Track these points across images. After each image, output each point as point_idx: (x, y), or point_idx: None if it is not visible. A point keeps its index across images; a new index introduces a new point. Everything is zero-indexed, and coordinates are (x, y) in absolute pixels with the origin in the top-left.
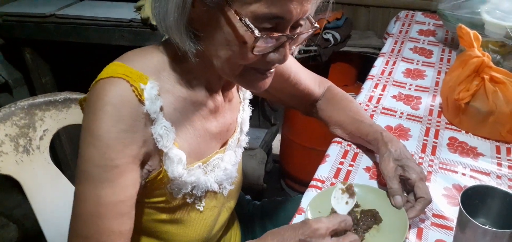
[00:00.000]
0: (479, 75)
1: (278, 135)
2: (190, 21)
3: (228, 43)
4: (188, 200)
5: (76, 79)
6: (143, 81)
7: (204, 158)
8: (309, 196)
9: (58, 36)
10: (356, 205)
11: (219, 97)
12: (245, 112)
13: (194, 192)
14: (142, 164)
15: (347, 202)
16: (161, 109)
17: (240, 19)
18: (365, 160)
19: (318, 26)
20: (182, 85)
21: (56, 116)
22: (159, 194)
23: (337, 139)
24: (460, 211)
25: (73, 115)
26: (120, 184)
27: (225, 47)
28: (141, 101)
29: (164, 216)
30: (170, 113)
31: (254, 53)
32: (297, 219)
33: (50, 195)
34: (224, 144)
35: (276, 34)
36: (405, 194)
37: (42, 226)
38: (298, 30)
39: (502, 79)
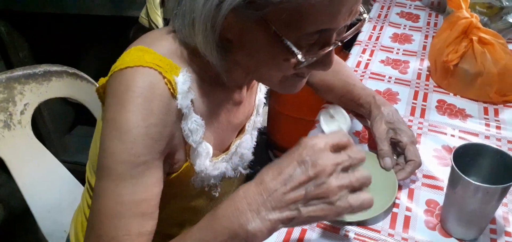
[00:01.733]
0: (468, 37)
1: (265, 107)
2: (221, 35)
3: (268, 59)
4: (206, 189)
5: (55, 52)
6: (175, 72)
7: (226, 149)
8: None
9: (33, 7)
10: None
11: (243, 90)
12: (261, 92)
13: (212, 181)
14: (166, 158)
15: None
16: (192, 102)
17: (282, 41)
18: (355, 124)
19: (366, 16)
20: (210, 79)
21: (36, 89)
22: (179, 185)
23: (325, 105)
24: (452, 169)
25: (54, 89)
26: (144, 181)
27: (265, 63)
28: (173, 95)
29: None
30: (199, 107)
31: (296, 70)
32: None
33: (35, 171)
34: (242, 129)
35: (321, 52)
36: (395, 157)
37: (29, 203)
38: (344, 34)
39: (490, 40)
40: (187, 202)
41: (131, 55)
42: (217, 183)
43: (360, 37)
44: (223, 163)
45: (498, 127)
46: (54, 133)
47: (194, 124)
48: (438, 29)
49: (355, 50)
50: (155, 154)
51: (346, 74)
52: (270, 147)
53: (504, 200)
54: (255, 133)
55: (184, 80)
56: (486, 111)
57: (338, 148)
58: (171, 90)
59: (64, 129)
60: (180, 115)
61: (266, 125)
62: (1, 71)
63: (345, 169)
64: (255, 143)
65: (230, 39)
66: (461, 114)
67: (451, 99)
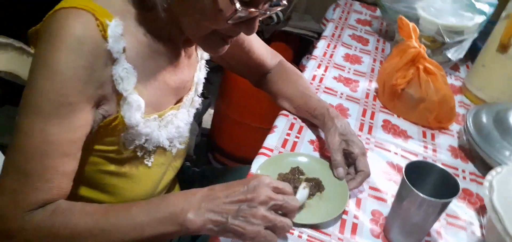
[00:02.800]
0: (415, 65)
1: (209, 109)
2: None
3: (204, 7)
4: (138, 153)
5: (3, 22)
6: (108, 17)
7: (161, 112)
8: (258, 162)
9: None
10: (301, 173)
11: (180, 51)
12: (201, 72)
13: (146, 145)
14: (97, 106)
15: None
16: (124, 50)
17: None
18: (309, 134)
19: (286, 3)
20: (146, 33)
21: None
22: (110, 142)
23: (284, 112)
24: (403, 181)
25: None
26: (71, 123)
27: (200, 10)
28: (104, 38)
29: (112, 167)
30: (132, 57)
31: (229, 22)
32: None
33: None
34: (179, 101)
35: (252, 10)
36: (347, 167)
37: None
38: (267, 5)
39: (433, 70)
40: (118, 166)
41: (67, 0)
42: (150, 149)
43: (315, 53)
44: (155, 124)
45: (434, 150)
46: None
47: (124, 72)
48: (386, 54)
49: (311, 64)
50: (83, 97)
51: (303, 85)
52: (211, 150)
53: None
54: (193, 111)
55: (116, 24)
56: (424, 135)
57: (279, 192)
58: (103, 32)
59: None
60: (110, 60)
61: (209, 127)
62: None
63: (276, 208)
64: (194, 145)
65: None
66: (403, 134)
67: (395, 120)
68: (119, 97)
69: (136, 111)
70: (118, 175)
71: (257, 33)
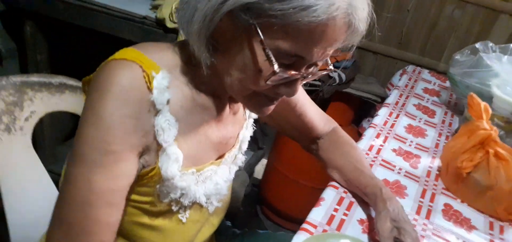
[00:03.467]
0: (484, 148)
1: (263, 160)
2: (213, 33)
3: (244, 66)
4: (173, 208)
5: (72, 64)
6: (155, 70)
7: (199, 166)
8: (298, 240)
9: (64, 15)
10: None
11: (225, 107)
12: (247, 130)
13: (181, 200)
14: (139, 156)
15: None
16: (168, 102)
17: (264, 49)
18: (359, 212)
19: (332, 68)
20: (191, 87)
21: (47, 99)
22: (146, 193)
23: (333, 183)
24: None
25: (65, 102)
26: (114, 171)
27: (240, 69)
28: (149, 89)
29: (145, 219)
30: (176, 109)
31: (267, 83)
32: None
33: (21, 180)
34: (221, 157)
35: (292, 72)
36: None
37: (6, 210)
38: (312, 69)
39: (505, 156)
40: (152, 218)
41: (120, 52)
42: (185, 204)
43: (376, 121)
44: (193, 178)
45: None
46: (49, 140)
47: (166, 123)
48: (453, 129)
49: (369, 132)
50: (127, 146)
51: (356, 157)
52: (259, 202)
53: None
54: (234, 168)
55: (162, 76)
56: (491, 226)
57: None
58: (148, 83)
59: (60, 138)
60: (154, 110)
61: (260, 178)
62: (14, 67)
63: None
64: (243, 194)
65: (218, 40)
66: (466, 223)
67: (458, 205)
68: (159, 148)
69: (173, 163)
70: (151, 228)
71: (317, 92)
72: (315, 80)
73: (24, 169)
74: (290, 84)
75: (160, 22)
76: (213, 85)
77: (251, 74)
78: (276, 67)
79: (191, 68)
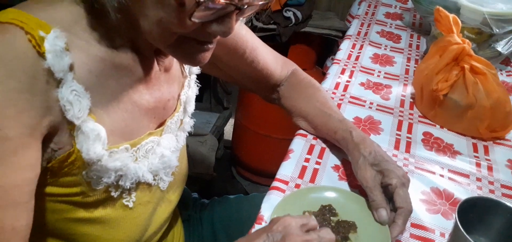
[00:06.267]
0: (459, 64)
1: (230, 120)
2: None
3: (161, 2)
4: (112, 193)
5: None
6: (44, 29)
7: (134, 140)
8: (270, 201)
9: None
10: (333, 214)
11: (152, 64)
12: (190, 89)
13: (120, 183)
14: (45, 140)
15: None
16: (71, 68)
17: None
18: (333, 158)
19: None
20: (101, 44)
21: None
22: (71, 184)
23: (301, 131)
24: (456, 228)
25: None
26: (12, 163)
27: (156, 6)
28: (40, 54)
29: (81, 213)
30: (83, 76)
31: (193, 20)
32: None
33: None
34: (161, 124)
35: (222, 1)
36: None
37: None
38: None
39: (483, 69)
40: (89, 211)
41: None
42: (127, 187)
43: (339, 56)
44: (127, 155)
45: (489, 167)
46: None
47: (73, 95)
48: (421, 51)
49: (333, 69)
50: (23, 128)
51: (321, 100)
52: (233, 164)
53: None
54: (183, 135)
55: (55, 35)
56: (475, 148)
57: (309, 229)
58: (37, 46)
59: None
60: (54, 81)
61: (231, 139)
62: None
63: None
64: (216, 158)
65: None
66: (449, 150)
67: (438, 132)
68: (72, 127)
69: (95, 142)
70: (91, 222)
71: (274, 37)
72: (269, 23)
73: None
74: (223, 19)
75: None
76: (130, 37)
77: (171, 11)
78: None
79: (97, 20)
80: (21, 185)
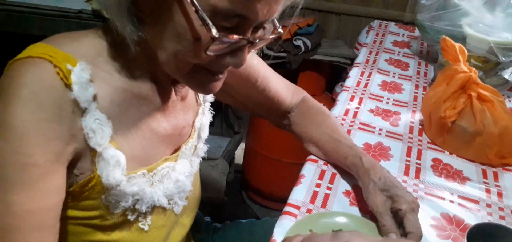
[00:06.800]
0: (466, 92)
1: (241, 144)
2: (135, 1)
3: (178, 36)
4: (129, 217)
5: None
6: (71, 62)
7: (150, 165)
8: (282, 225)
9: None
10: None
11: (169, 93)
12: (204, 116)
13: (137, 207)
14: (70, 166)
15: None
16: (95, 98)
17: (197, 12)
18: (344, 183)
19: (282, 31)
20: (122, 75)
21: None
22: (91, 207)
23: (312, 157)
24: None
25: None
26: (40, 188)
27: (174, 40)
28: (67, 86)
29: (99, 236)
30: (106, 105)
31: (208, 53)
32: None
33: None
34: (176, 150)
35: (236, 37)
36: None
37: None
38: (259, 34)
39: (489, 97)
40: (107, 233)
41: (25, 51)
42: (143, 211)
43: (348, 83)
44: (144, 180)
45: (499, 194)
46: None
47: (96, 123)
48: (429, 79)
49: (343, 96)
50: (51, 155)
51: (331, 127)
52: (244, 188)
53: None
54: (197, 161)
55: (81, 68)
56: (484, 174)
57: None
58: (64, 79)
59: None
60: (79, 111)
61: (241, 163)
62: None
63: None
64: (226, 182)
65: (142, 9)
66: (458, 176)
67: (447, 158)
68: (93, 153)
69: (114, 168)
70: None
71: (285, 64)
72: (280, 51)
73: None
74: (236, 52)
75: (97, 14)
76: (149, 69)
77: (187, 45)
78: (214, 31)
79: (119, 53)
80: (48, 209)
